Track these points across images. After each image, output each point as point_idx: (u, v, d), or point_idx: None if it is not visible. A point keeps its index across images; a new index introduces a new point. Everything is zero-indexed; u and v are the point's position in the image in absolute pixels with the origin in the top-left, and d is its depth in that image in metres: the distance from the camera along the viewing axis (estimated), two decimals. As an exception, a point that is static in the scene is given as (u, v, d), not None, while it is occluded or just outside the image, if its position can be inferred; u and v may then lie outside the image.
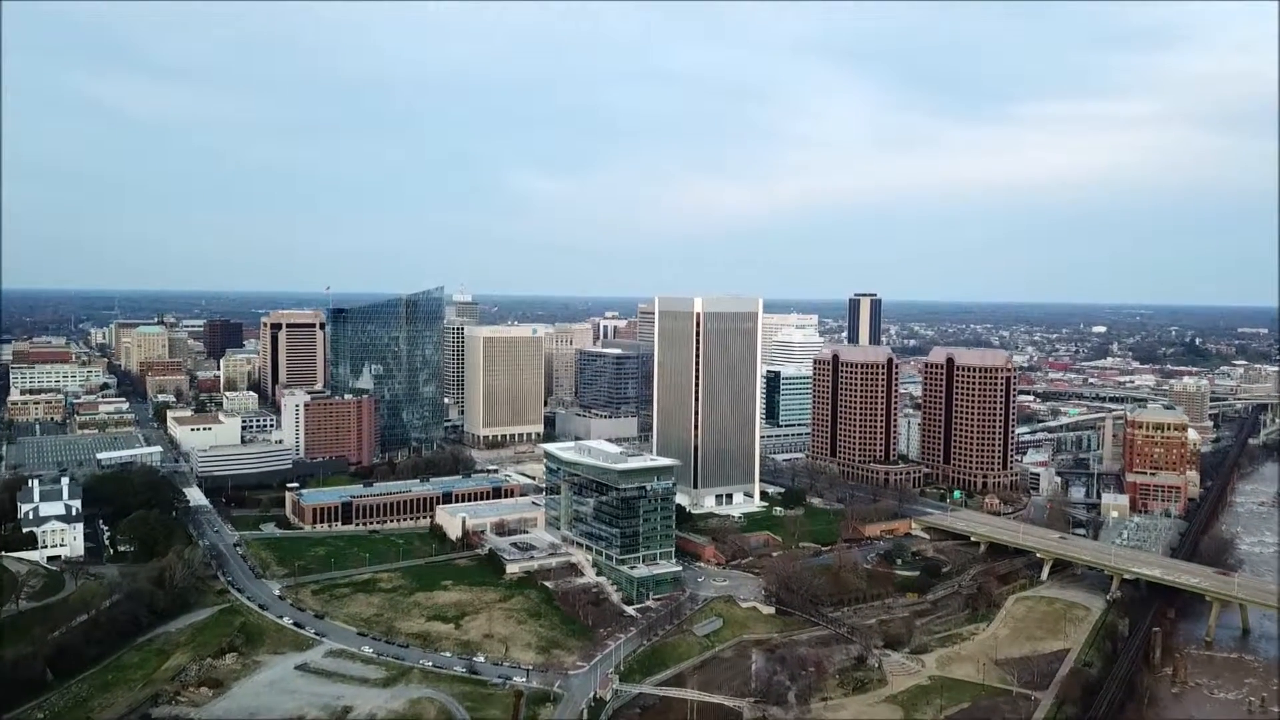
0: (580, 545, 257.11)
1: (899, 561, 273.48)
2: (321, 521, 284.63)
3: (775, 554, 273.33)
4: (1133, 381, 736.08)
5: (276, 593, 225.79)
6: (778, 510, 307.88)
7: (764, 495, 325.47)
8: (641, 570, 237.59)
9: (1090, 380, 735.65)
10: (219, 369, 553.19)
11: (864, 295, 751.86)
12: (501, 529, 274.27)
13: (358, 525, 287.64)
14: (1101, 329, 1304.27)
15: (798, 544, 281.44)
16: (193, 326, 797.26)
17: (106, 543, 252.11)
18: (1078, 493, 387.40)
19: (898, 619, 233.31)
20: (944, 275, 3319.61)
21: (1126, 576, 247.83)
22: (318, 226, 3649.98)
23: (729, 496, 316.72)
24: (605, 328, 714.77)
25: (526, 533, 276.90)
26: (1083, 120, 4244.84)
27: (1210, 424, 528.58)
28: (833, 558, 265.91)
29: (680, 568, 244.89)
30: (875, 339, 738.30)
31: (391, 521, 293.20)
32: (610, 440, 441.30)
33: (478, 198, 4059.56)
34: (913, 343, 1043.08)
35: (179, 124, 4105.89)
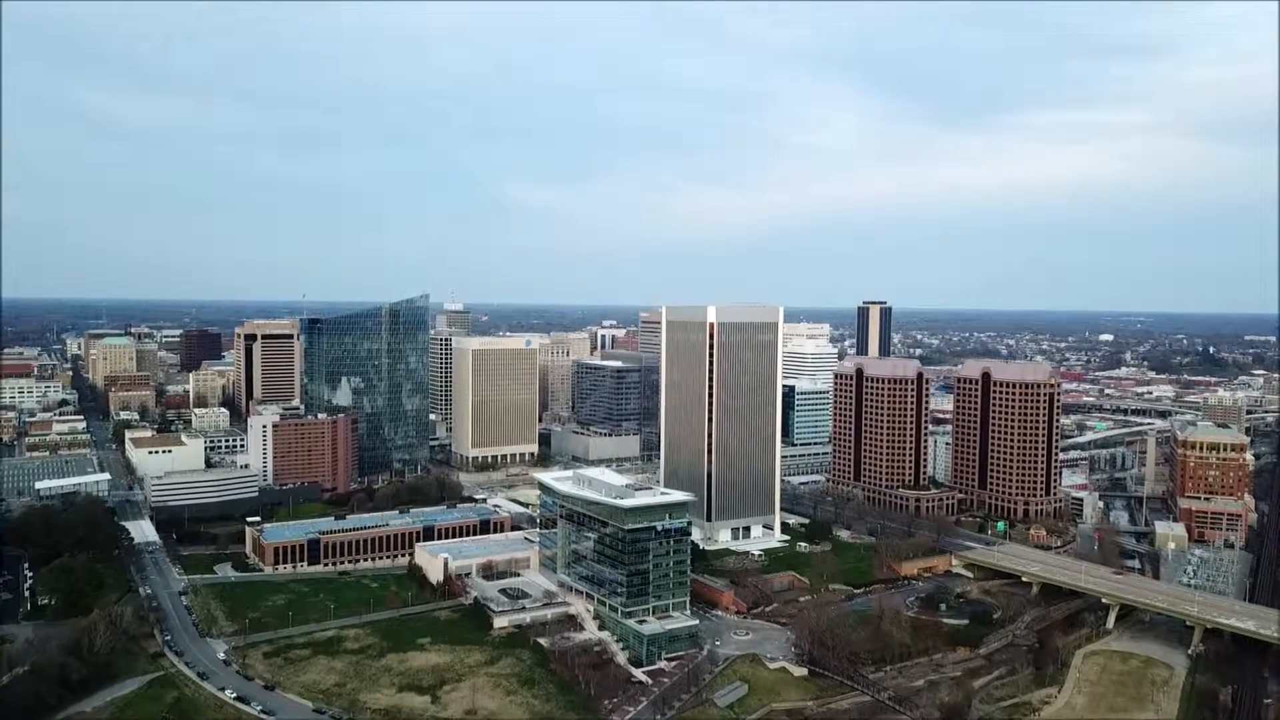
0: (579, 593, 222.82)
1: (942, 606, 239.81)
2: (285, 562, 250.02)
3: (803, 599, 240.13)
4: (1151, 392, 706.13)
5: (221, 656, 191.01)
6: (802, 546, 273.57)
7: (785, 527, 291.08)
8: (652, 625, 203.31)
9: (1107, 391, 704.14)
10: (190, 383, 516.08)
11: (873, 303, 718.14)
12: (489, 571, 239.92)
13: (326, 566, 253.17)
14: (1109, 337, 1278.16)
15: (827, 586, 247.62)
16: (171, 337, 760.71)
17: (26, 594, 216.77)
18: (1119, 518, 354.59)
19: (950, 680, 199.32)
20: (941, 283, 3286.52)
21: (1210, 627, 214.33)
22: (316, 236, 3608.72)
23: (746, 530, 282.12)
24: (603, 337, 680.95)
25: (518, 575, 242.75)
26: (1076, 129, 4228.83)
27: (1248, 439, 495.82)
28: (870, 603, 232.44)
29: (696, 621, 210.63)
30: (885, 349, 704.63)
31: (365, 560, 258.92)
32: (611, 463, 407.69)
33: (474, 208, 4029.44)
34: (919, 352, 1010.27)
35: (180, 133, 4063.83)
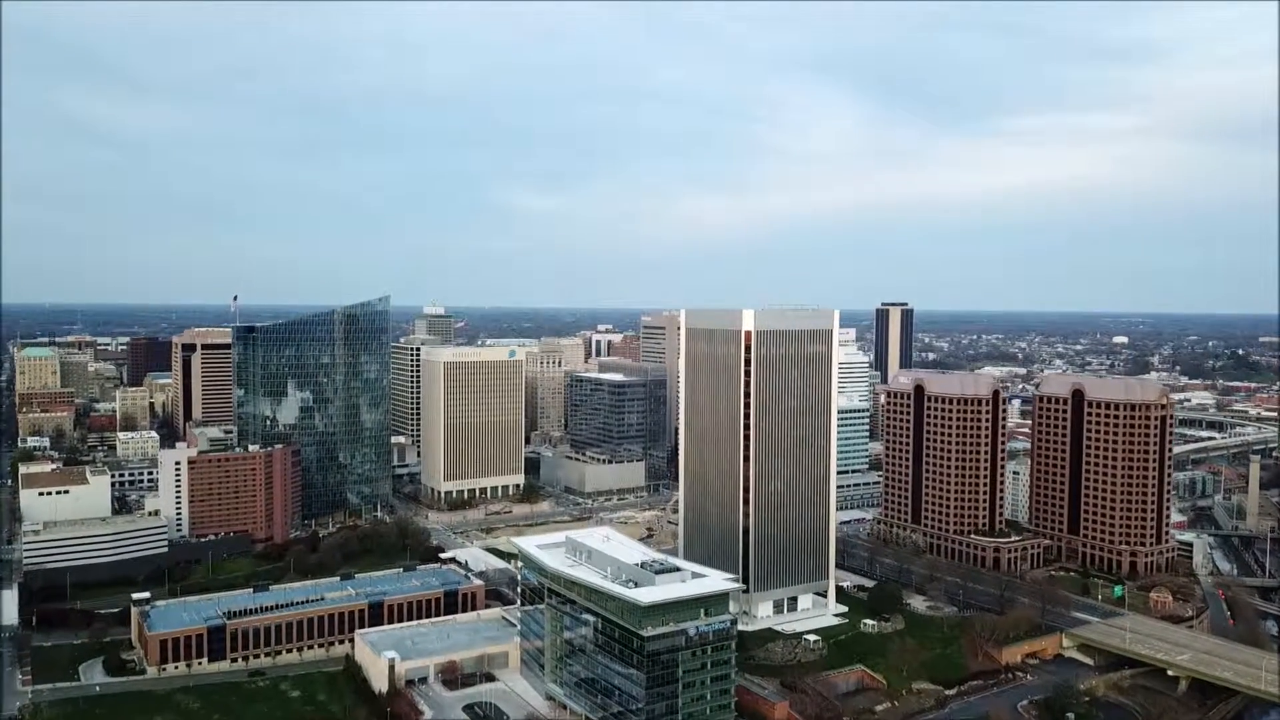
0: (576, 715, 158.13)
1: (1070, 717, 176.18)
2: (177, 658, 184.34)
3: (880, 708, 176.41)
4: (1190, 400, 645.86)
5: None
6: (867, 623, 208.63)
7: (839, 592, 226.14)
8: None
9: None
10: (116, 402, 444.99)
11: (893, 305, 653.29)
12: (451, 676, 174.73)
13: (235, 661, 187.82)
14: (1123, 339, 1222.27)
15: (910, 687, 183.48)
16: (123, 344, 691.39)
17: None
18: (1220, 561, 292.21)
19: None
20: (940, 285, 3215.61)
21: None
22: (313, 241, 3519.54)
23: (793, 601, 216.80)
24: (598, 343, 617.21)
25: (493, 678, 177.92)
26: (1073, 132, 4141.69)
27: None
28: (980, 715, 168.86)
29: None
30: (906, 357, 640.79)
31: (290, 650, 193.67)
32: (612, 495, 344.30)
33: (468, 212, 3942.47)
34: (931, 356, 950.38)
35: (178, 139, 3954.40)
